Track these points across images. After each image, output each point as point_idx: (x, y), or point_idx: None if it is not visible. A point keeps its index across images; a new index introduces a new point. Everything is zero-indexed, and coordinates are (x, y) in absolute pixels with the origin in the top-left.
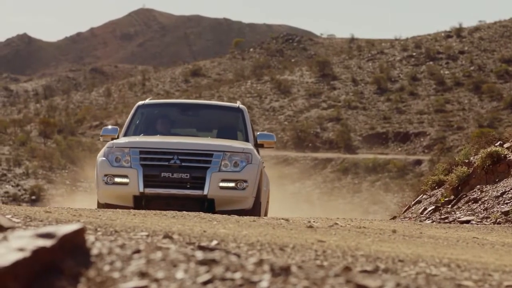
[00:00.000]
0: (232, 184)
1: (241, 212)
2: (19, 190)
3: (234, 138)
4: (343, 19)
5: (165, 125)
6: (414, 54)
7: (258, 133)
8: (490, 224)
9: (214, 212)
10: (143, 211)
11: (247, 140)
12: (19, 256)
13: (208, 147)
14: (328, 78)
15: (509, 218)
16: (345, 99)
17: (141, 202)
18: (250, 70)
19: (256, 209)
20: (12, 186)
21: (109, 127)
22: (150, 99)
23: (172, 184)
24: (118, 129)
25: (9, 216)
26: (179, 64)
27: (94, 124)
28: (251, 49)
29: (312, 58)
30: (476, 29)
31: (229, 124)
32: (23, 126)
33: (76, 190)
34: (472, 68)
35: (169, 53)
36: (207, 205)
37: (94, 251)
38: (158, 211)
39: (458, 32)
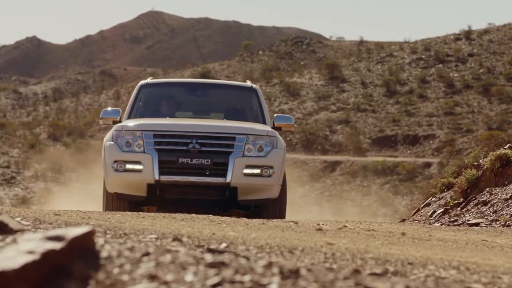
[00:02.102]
0: (257, 171)
1: (265, 202)
2: (28, 193)
3: (249, 120)
4: (352, 22)
5: (171, 106)
6: (423, 56)
7: (275, 115)
8: (499, 226)
9: (235, 202)
10: (152, 214)
11: (264, 122)
12: (28, 259)
13: (230, 129)
14: (337, 81)
15: None
16: (354, 101)
17: (155, 191)
18: (259, 72)
19: (282, 199)
20: (22, 189)
21: (109, 109)
22: (152, 79)
23: (191, 171)
24: (120, 111)
25: (18, 219)
26: (188, 67)
27: (103, 126)
28: (260, 52)
29: (321, 61)
30: (486, 31)
31: (243, 105)
32: (32, 128)
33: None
34: (481, 70)
35: (178, 55)
36: (228, 194)
37: (104, 254)
38: (167, 214)
39: (467, 34)
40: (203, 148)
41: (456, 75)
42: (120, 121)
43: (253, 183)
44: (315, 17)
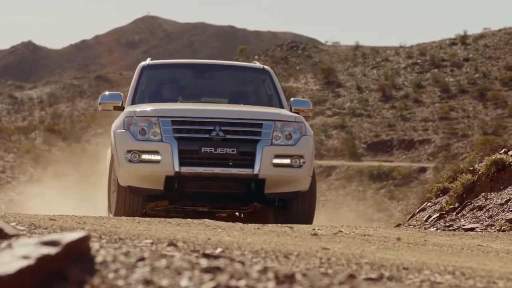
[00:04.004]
0: (287, 161)
1: (294, 196)
2: (23, 198)
3: (264, 105)
4: (348, 27)
5: (178, 90)
6: (418, 61)
7: (292, 99)
8: (495, 231)
9: (261, 195)
10: (147, 219)
11: (281, 107)
12: (23, 263)
13: (257, 115)
14: (332, 86)
15: None
16: (350, 106)
17: (173, 184)
18: None
19: (312, 192)
20: (17, 193)
21: (107, 93)
22: (151, 60)
23: (215, 161)
24: (122, 95)
25: (13, 224)
26: None
27: (99, 131)
28: (256, 57)
29: (317, 66)
30: (481, 36)
31: (256, 88)
32: (27, 133)
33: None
34: (477, 75)
35: None
36: (254, 187)
37: (99, 259)
38: (162, 219)
39: (462, 39)
40: (227, 136)
41: (451, 80)
42: (122, 107)
43: (282, 175)
44: (310, 22)
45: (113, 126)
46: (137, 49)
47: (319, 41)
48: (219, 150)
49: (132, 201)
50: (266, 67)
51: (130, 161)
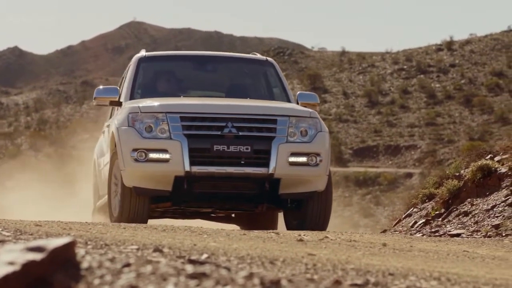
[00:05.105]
0: (303, 159)
1: (310, 196)
2: (9, 204)
3: (270, 99)
4: (334, 32)
5: (181, 84)
6: (405, 67)
7: (298, 92)
8: (481, 237)
9: (275, 196)
10: (133, 224)
11: (289, 101)
12: (9, 270)
13: (271, 110)
14: (319, 91)
15: (500, 232)
16: (336, 112)
17: (182, 185)
18: None
19: (328, 193)
20: (3, 199)
21: (101, 87)
22: (146, 51)
23: (228, 160)
24: (118, 89)
25: None
26: None
27: (85, 137)
28: None
29: (303, 71)
30: (467, 42)
31: (261, 81)
32: (13, 139)
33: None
34: (463, 81)
35: None
36: (268, 187)
37: (84, 265)
38: (148, 225)
39: (449, 45)
40: (240, 133)
41: (437, 85)
42: (119, 102)
43: (299, 174)
44: (297, 28)
45: (115, 122)
46: (124, 54)
47: (305, 46)
48: (232, 148)
49: (138, 203)
50: (269, 58)
51: (136, 160)
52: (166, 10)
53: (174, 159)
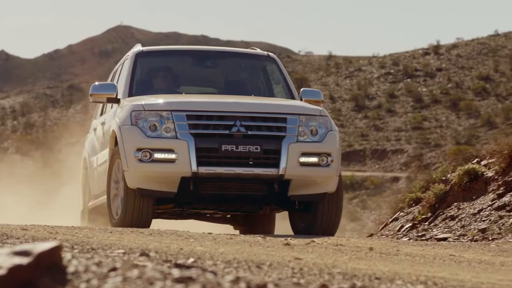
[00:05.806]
0: (314, 159)
1: (321, 198)
2: None
3: (274, 96)
4: (321, 37)
5: (182, 80)
6: (391, 71)
7: (302, 89)
8: (467, 241)
9: (284, 197)
10: (119, 229)
11: (293, 98)
12: None
13: (281, 108)
14: None
15: (486, 236)
16: None
17: (188, 186)
18: None
19: (339, 194)
20: None
21: (97, 83)
22: (141, 46)
23: (237, 160)
24: (116, 85)
25: None
26: None
27: (71, 141)
28: None
29: (290, 75)
30: (454, 46)
31: (262, 77)
32: (0, 143)
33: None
34: (449, 85)
35: None
36: (278, 189)
37: (71, 269)
38: (135, 229)
39: (435, 49)
40: (249, 132)
41: (424, 89)
42: (117, 98)
43: (310, 175)
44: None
45: (116, 121)
46: (110, 58)
47: (292, 50)
48: (241, 148)
49: (142, 205)
50: (271, 54)
51: (141, 160)
52: (153, 14)
53: (181, 160)
